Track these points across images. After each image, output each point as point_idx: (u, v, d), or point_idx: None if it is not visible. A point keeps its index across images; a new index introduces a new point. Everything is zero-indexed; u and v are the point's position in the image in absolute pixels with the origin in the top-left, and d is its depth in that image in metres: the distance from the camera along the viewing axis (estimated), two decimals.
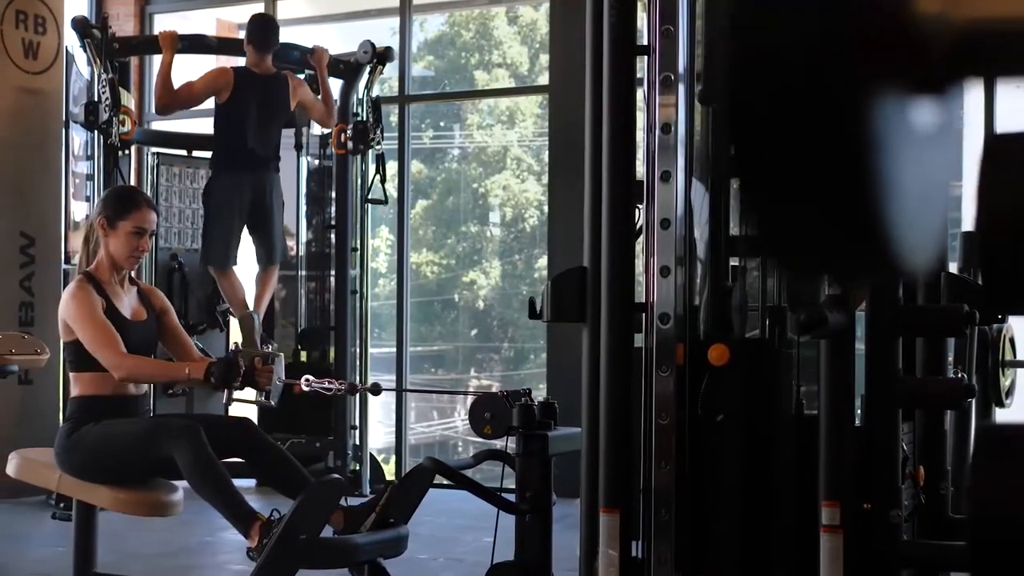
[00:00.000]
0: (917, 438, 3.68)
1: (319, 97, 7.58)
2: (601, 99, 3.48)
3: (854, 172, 0.60)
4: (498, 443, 4.06)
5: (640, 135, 3.55)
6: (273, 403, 4.26)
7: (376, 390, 4.43)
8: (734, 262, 3.64)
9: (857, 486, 3.21)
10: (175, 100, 7.18)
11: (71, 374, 4.42)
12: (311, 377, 4.39)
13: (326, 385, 4.34)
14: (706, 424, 3.36)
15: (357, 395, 7.50)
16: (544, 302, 3.63)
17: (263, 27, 7.51)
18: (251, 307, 7.25)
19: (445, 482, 4.13)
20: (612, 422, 3.42)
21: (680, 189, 3.38)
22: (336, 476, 4.37)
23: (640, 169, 3.51)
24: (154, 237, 4.53)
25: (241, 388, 4.20)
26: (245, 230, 7.40)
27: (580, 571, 3.57)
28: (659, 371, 3.36)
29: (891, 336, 3.26)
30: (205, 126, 7.70)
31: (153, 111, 7.45)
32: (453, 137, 12.66)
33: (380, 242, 10.61)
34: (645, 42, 3.47)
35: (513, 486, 3.89)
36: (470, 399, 3.92)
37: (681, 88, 3.40)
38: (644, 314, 3.45)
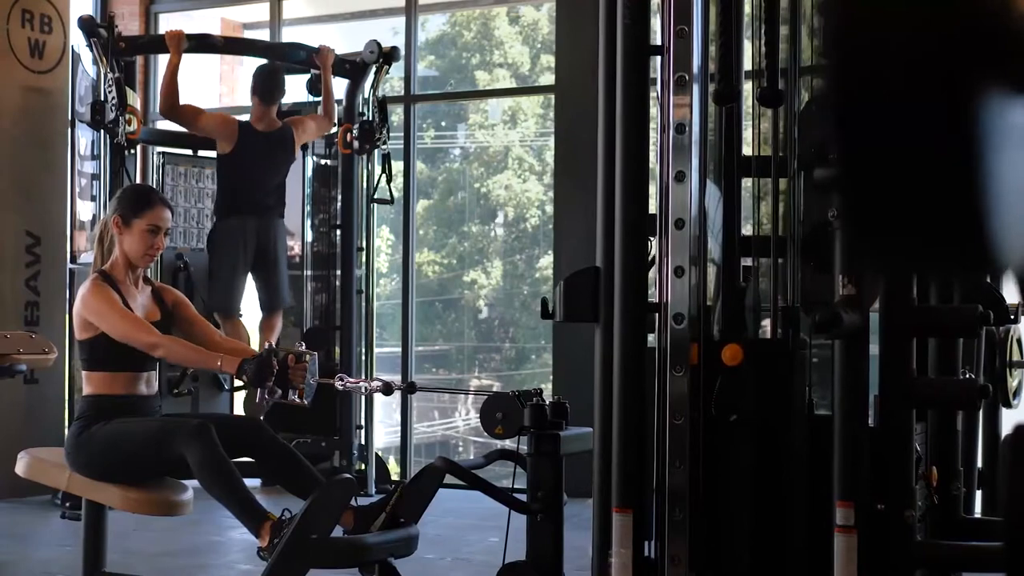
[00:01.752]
0: (929, 438, 3.68)
1: (320, 102, 7.61)
2: (615, 99, 3.48)
3: (965, 168, 0.60)
4: (500, 443, 4.06)
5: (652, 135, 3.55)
6: (306, 403, 4.22)
7: (412, 389, 4.41)
8: (745, 262, 3.64)
9: (871, 486, 3.21)
10: (179, 111, 7.23)
11: (83, 373, 4.42)
12: (346, 376, 4.38)
13: (360, 384, 4.32)
14: (720, 424, 3.36)
15: (369, 395, 7.50)
16: (557, 302, 3.63)
17: (269, 79, 7.55)
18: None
19: (449, 482, 4.13)
20: (625, 422, 3.42)
21: (694, 189, 3.38)
22: (348, 476, 4.37)
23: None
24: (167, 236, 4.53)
25: (274, 387, 4.16)
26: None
27: (592, 571, 3.57)
28: (673, 371, 3.36)
29: (905, 336, 3.26)
30: None
31: (157, 111, 7.44)
32: (454, 137, 12.67)
33: (380, 242, 10.61)
34: (659, 42, 3.47)
35: (521, 485, 3.89)
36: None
37: (695, 88, 3.40)
38: (657, 314, 3.45)
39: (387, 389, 4.30)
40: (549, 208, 11.46)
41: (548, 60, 11.60)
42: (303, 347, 4.29)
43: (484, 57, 12.25)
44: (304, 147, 8.11)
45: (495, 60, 12.16)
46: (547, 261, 11.52)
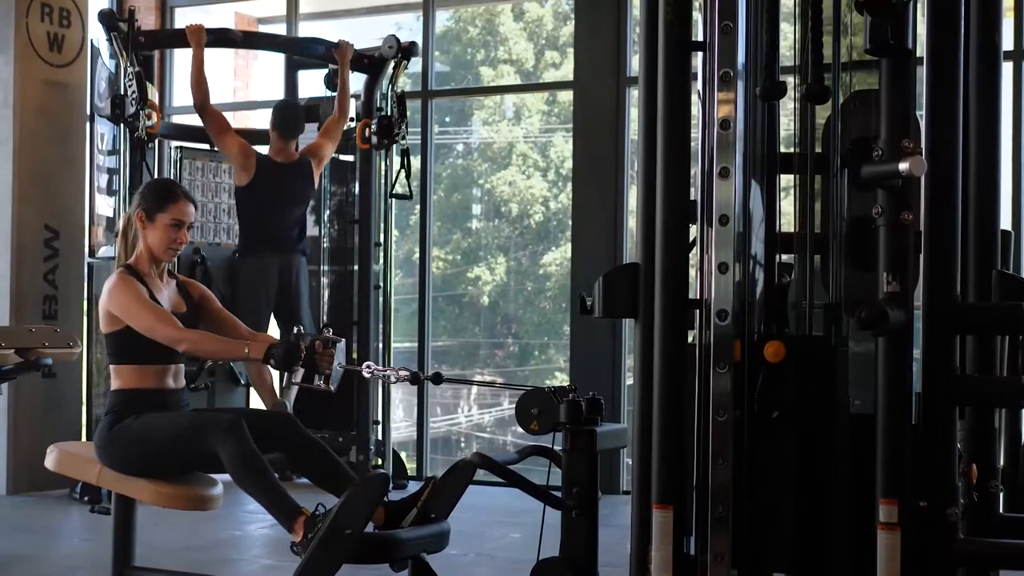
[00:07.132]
0: (967, 436, 3.68)
1: (334, 103, 7.63)
2: (655, 96, 3.47)
3: None
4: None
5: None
6: (332, 388, 4.23)
7: (437, 379, 4.38)
8: (786, 259, 3.63)
9: (914, 484, 3.21)
10: (210, 112, 7.29)
11: (111, 367, 4.42)
12: (372, 363, 4.38)
13: (387, 372, 4.32)
14: (762, 421, 3.36)
15: (390, 385, 7.53)
16: (596, 298, 3.62)
17: (289, 115, 7.58)
18: (278, 394, 7.27)
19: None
20: (666, 418, 3.41)
21: (738, 185, 3.37)
22: (382, 471, 4.38)
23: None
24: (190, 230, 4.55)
25: (302, 372, 4.17)
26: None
27: (630, 568, 3.56)
28: (716, 368, 3.36)
29: (949, 334, 3.26)
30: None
31: (193, 106, 7.44)
32: (458, 133, 12.67)
33: None
34: (700, 38, 3.47)
35: (550, 482, 3.89)
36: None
37: (739, 84, 3.39)
38: (698, 310, 3.44)
39: (413, 378, 4.29)
40: (553, 204, 11.47)
41: (552, 56, 11.61)
42: (331, 333, 4.30)
43: (489, 53, 12.26)
44: None
45: (500, 56, 12.17)
46: (551, 258, 11.53)
